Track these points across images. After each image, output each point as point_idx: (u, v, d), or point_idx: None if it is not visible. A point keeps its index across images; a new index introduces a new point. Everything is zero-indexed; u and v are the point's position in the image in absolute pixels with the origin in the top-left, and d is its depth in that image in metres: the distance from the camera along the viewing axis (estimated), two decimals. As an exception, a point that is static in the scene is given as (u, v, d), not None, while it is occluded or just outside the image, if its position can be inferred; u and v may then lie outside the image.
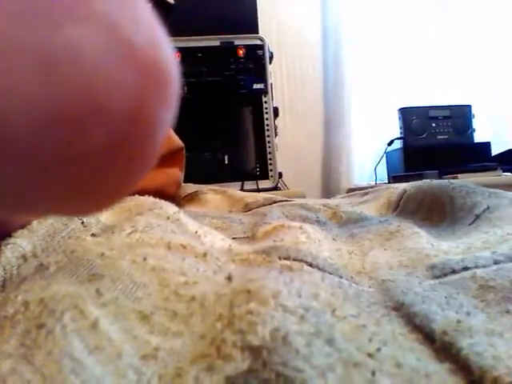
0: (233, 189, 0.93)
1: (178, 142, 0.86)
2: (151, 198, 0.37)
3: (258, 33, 1.83)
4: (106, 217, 0.31)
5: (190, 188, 0.88)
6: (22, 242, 0.24)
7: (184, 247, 0.25)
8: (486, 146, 2.04)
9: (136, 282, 0.20)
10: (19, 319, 0.18)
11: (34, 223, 0.26)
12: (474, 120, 2.12)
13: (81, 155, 0.15)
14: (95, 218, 0.30)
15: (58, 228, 0.26)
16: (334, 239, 0.38)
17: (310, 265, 0.27)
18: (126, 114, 0.16)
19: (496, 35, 2.46)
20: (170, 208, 0.33)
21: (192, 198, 0.81)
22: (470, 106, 2.14)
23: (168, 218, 0.30)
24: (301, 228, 0.36)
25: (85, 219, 0.29)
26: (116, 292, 0.20)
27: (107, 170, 0.17)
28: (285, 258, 0.28)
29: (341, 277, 0.28)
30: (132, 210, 0.31)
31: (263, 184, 1.72)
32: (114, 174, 0.17)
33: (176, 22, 1.81)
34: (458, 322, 0.20)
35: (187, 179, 0.94)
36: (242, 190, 1.61)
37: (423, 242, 0.34)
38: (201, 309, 0.20)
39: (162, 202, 0.35)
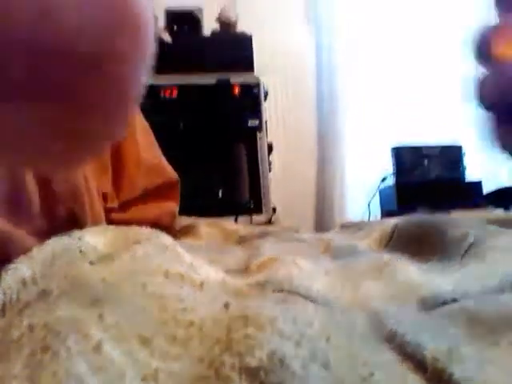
0: (227, 222, 0.93)
1: (173, 175, 0.87)
2: (148, 229, 0.38)
3: (253, 71, 1.86)
4: (102, 245, 0.32)
5: (185, 221, 0.89)
6: (22, 267, 0.24)
7: (181, 276, 0.25)
8: (478, 184, 2.07)
9: (136, 307, 0.21)
10: (24, 342, 0.19)
11: (34, 250, 0.27)
12: (464, 158, 2.15)
13: (58, 91, 0.16)
14: (92, 246, 0.31)
15: (57, 254, 0.27)
16: (326, 272, 0.38)
17: (304, 297, 0.28)
18: (98, 53, 0.16)
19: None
20: (166, 238, 0.33)
21: (187, 230, 0.81)
22: (460, 147, 2.18)
23: (165, 247, 0.30)
24: (294, 261, 0.36)
25: (83, 247, 0.30)
26: (117, 316, 0.20)
27: (86, 108, 0.17)
28: (279, 291, 0.28)
29: (334, 308, 0.28)
30: (130, 239, 0.32)
31: (257, 218, 1.73)
32: (95, 115, 0.18)
33: (173, 59, 1.84)
34: (450, 349, 0.21)
35: (181, 212, 0.95)
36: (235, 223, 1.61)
37: (414, 274, 0.35)
38: (199, 333, 0.21)
39: (159, 232, 0.36)
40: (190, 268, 0.28)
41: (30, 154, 0.19)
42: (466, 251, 0.41)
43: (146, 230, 0.36)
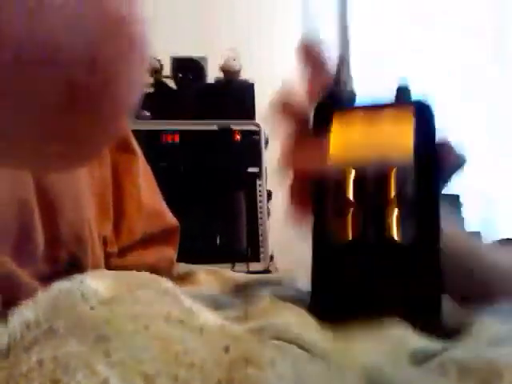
0: (225, 270, 0.93)
1: (173, 220, 0.87)
2: (148, 274, 0.38)
3: (254, 119, 1.90)
4: (103, 289, 0.32)
5: (183, 268, 0.89)
6: (27, 311, 0.25)
7: (181, 321, 0.26)
8: (477, 235, 2.07)
9: (139, 346, 0.22)
10: (34, 376, 0.20)
11: (40, 295, 0.27)
12: (462, 209, 2.17)
13: (47, 90, 0.16)
14: (93, 290, 0.31)
15: (60, 298, 0.27)
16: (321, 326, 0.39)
17: (301, 347, 0.28)
18: (85, 57, 0.17)
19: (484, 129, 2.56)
20: (166, 283, 0.34)
21: (185, 277, 0.81)
22: (458, 196, 2.19)
23: (165, 292, 0.31)
24: (292, 310, 0.37)
25: (84, 291, 0.30)
26: (122, 354, 0.21)
27: (78, 110, 0.18)
28: (276, 339, 0.29)
29: (329, 361, 0.28)
30: (130, 283, 0.33)
31: (254, 266, 1.72)
32: (87, 117, 0.18)
33: (177, 104, 1.88)
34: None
35: (178, 257, 0.95)
36: (232, 271, 1.61)
37: (405, 329, 0.36)
38: (200, 373, 0.21)
39: (158, 277, 0.37)
40: (189, 313, 0.29)
41: (22, 155, 0.20)
42: None
43: (146, 275, 0.37)
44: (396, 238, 0.30)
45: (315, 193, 0.34)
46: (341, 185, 0.32)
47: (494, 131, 2.65)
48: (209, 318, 0.31)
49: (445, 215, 0.35)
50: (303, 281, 0.39)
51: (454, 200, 2.17)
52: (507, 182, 2.49)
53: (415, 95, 0.34)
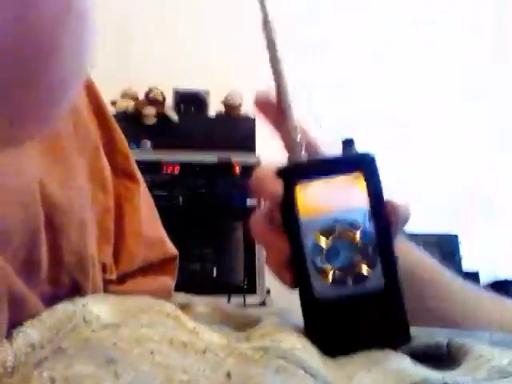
0: (223, 302, 0.92)
1: (172, 249, 0.87)
2: (149, 297, 0.38)
3: (255, 151, 1.91)
4: (105, 313, 0.32)
5: (181, 298, 0.88)
6: (32, 331, 0.25)
7: (185, 345, 0.26)
8: (475, 275, 2.06)
9: (146, 371, 0.22)
10: None
11: (44, 315, 0.27)
12: (461, 248, 2.16)
13: None
14: (96, 315, 0.31)
15: (63, 320, 0.27)
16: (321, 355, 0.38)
17: (304, 370, 0.28)
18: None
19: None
20: (168, 306, 0.34)
21: (183, 308, 0.81)
22: (456, 236, 2.20)
23: (168, 315, 0.31)
24: (297, 336, 0.37)
25: (86, 315, 0.30)
26: (131, 377, 0.21)
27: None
28: (282, 358, 0.29)
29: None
30: (133, 307, 0.33)
31: (250, 299, 1.71)
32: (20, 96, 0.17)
33: (178, 136, 1.90)
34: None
35: (175, 288, 0.94)
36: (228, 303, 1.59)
37: (406, 363, 0.35)
38: None
39: (160, 300, 0.37)
40: (192, 334, 0.29)
41: None
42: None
43: (147, 299, 0.37)
44: (367, 285, 0.38)
45: (291, 259, 0.40)
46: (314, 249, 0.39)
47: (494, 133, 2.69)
48: (213, 337, 0.30)
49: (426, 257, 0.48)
50: (299, 314, 0.41)
51: (453, 240, 2.18)
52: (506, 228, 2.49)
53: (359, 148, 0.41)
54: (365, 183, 0.39)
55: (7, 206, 0.31)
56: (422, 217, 2.39)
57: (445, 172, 2.56)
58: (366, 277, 0.38)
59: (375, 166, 0.40)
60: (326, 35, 2.61)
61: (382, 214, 0.39)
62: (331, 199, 0.39)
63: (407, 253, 0.47)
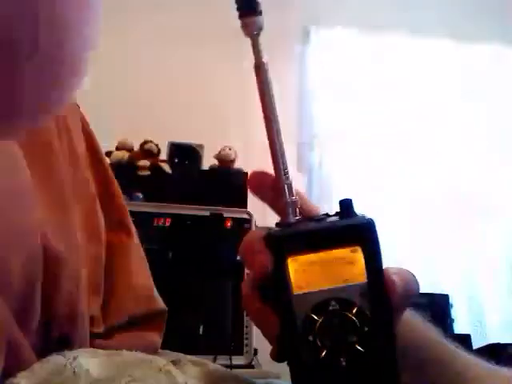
0: (211, 363, 0.89)
1: (160, 304, 0.85)
2: (139, 352, 0.37)
3: (246, 206, 1.91)
4: (95, 367, 0.31)
5: (168, 355, 0.85)
6: (22, 382, 0.24)
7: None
8: (467, 338, 2.03)
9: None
10: None
11: (35, 366, 0.27)
12: (452, 310, 2.14)
13: None
14: (85, 370, 0.30)
15: (54, 373, 0.27)
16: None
17: None
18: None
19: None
20: (159, 360, 0.33)
21: (173, 363, 0.78)
22: (447, 296, 2.18)
23: (160, 369, 0.31)
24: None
25: (76, 369, 0.29)
26: None
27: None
28: None
29: None
30: (123, 363, 0.32)
31: (237, 360, 1.65)
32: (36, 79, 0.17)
33: (170, 189, 1.90)
34: None
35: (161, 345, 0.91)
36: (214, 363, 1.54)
37: None
38: None
39: (150, 355, 0.36)
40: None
41: None
42: None
43: (138, 353, 0.36)
44: (360, 366, 0.36)
45: (279, 334, 0.38)
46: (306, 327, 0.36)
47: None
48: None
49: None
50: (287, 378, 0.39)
51: (444, 299, 2.15)
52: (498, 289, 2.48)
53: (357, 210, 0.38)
54: (363, 258, 0.37)
55: (11, 248, 0.31)
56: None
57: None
58: (361, 356, 0.36)
59: (375, 235, 0.37)
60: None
61: (381, 292, 0.36)
62: (325, 274, 0.37)
63: (410, 332, 0.44)
